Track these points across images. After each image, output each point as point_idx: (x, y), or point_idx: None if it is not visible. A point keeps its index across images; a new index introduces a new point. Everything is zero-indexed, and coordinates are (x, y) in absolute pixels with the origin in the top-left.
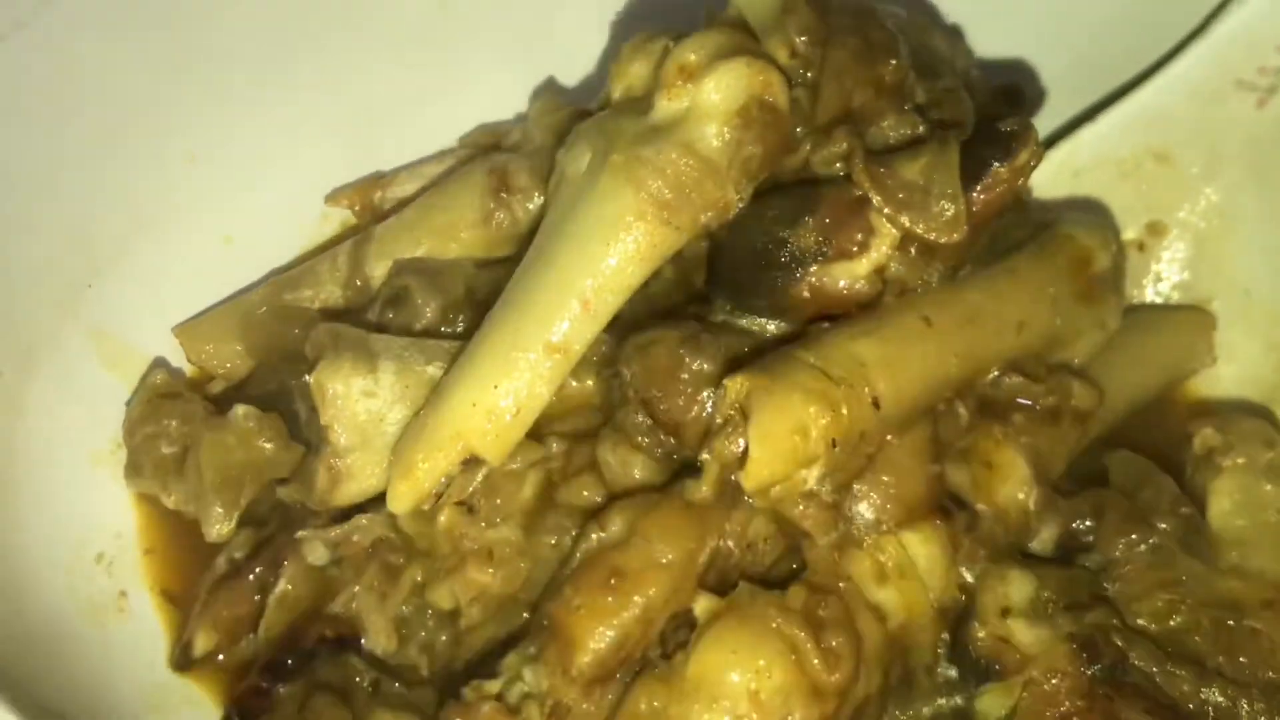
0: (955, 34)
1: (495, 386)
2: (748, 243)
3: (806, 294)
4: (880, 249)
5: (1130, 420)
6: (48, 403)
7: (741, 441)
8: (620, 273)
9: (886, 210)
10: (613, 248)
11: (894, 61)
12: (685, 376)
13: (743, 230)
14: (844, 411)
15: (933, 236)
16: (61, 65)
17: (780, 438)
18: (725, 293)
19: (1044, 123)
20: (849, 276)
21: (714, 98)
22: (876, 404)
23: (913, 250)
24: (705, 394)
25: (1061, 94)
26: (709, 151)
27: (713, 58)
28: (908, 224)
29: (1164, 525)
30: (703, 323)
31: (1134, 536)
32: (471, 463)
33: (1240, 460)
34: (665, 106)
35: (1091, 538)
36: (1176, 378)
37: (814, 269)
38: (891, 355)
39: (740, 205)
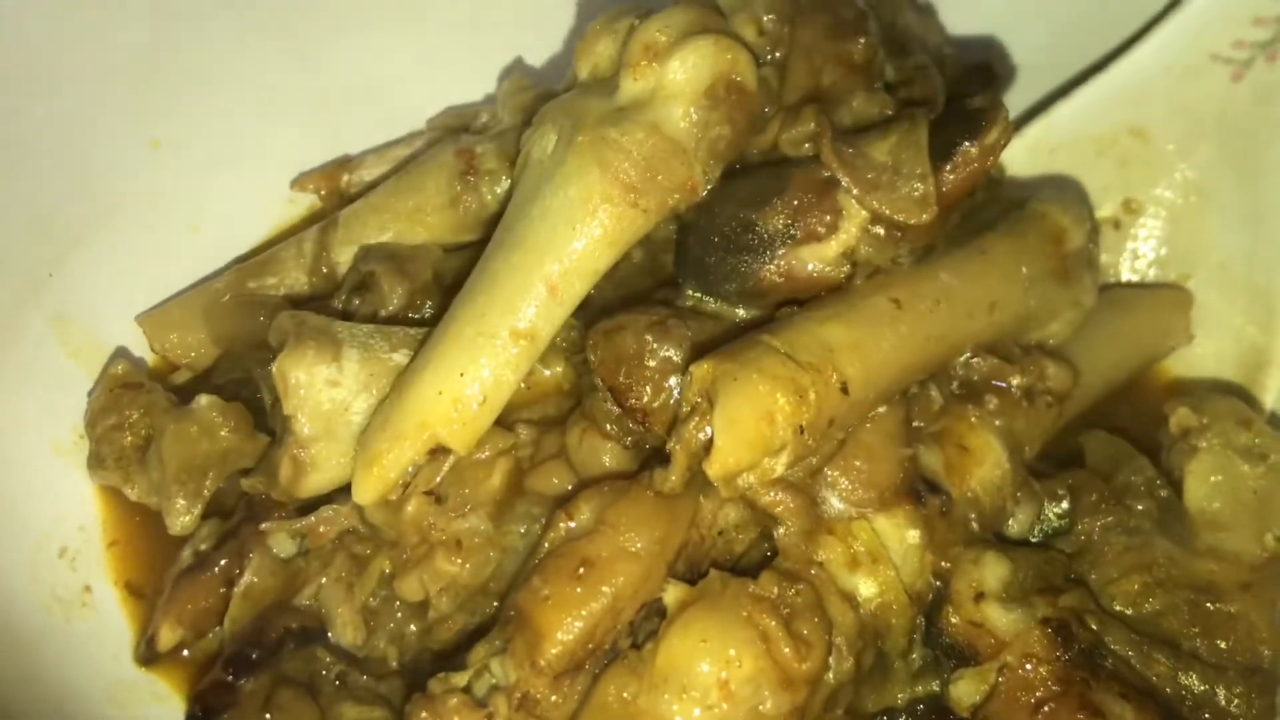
0: (926, 11)
1: (461, 374)
2: (716, 226)
3: (776, 277)
4: (849, 230)
5: (1107, 400)
6: (8, 392)
7: (708, 429)
8: (587, 256)
9: (855, 191)
10: (579, 231)
11: (863, 39)
12: (652, 363)
13: (711, 213)
14: (811, 397)
15: (902, 217)
16: (23, 49)
17: (746, 425)
18: (693, 277)
19: (1018, 100)
20: (818, 259)
21: (680, 77)
22: (845, 389)
23: (882, 231)
24: (672, 381)
25: (1035, 71)
26: (676, 132)
27: (679, 36)
28: (876, 205)
29: (1140, 507)
30: (671, 308)
31: (1110, 519)
32: (438, 452)
33: (1216, 441)
34: (631, 86)
35: (1067, 520)
36: (1154, 356)
37: (782, 252)
38: (860, 339)
39: (708, 187)
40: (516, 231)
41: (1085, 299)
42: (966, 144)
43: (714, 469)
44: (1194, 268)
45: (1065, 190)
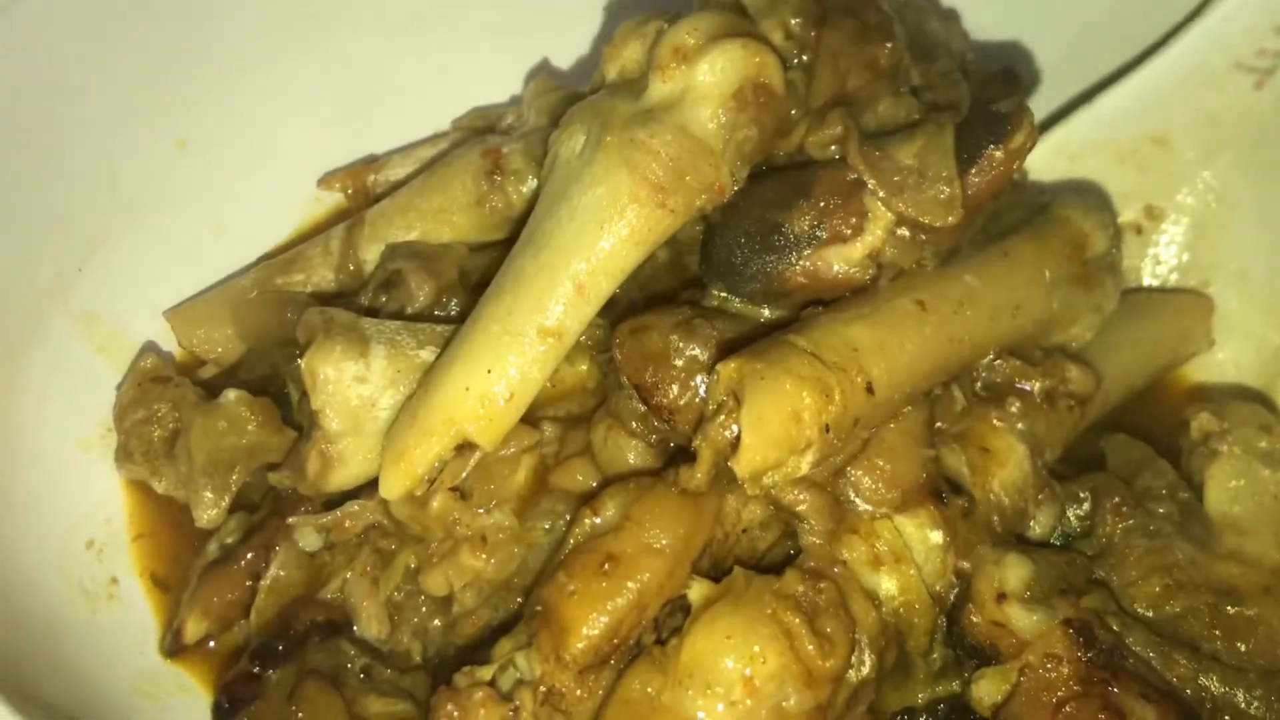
0: (951, 17)
1: (488, 371)
2: (742, 226)
3: (801, 278)
4: (875, 232)
5: (1127, 404)
6: (37, 388)
7: (735, 427)
8: (614, 255)
9: (881, 193)
10: (607, 230)
11: (889, 44)
12: (678, 363)
13: (737, 214)
14: (837, 397)
15: (927, 220)
16: (51, 50)
17: (773, 424)
18: (719, 277)
19: (1041, 106)
20: (843, 260)
21: (709, 80)
22: (870, 389)
23: (907, 233)
24: (698, 380)
25: (1058, 77)
26: (704, 134)
27: (708, 39)
28: (902, 207)
29: (1161, 510)
30: (696, 307)
31: (1131, 522)
32: (465, 448)
33: (1237, 446)
34: (660, 88)
35: (1088, 522)
36: (1174, 362)
37: (808, 253)
38: (885, 340)
39: (735, 188)
40: (544, 230)
41: (1107, 304)
42: (992, 147)
43: (741, 466)
44: (1215, 274)
45: (1088, 196)
